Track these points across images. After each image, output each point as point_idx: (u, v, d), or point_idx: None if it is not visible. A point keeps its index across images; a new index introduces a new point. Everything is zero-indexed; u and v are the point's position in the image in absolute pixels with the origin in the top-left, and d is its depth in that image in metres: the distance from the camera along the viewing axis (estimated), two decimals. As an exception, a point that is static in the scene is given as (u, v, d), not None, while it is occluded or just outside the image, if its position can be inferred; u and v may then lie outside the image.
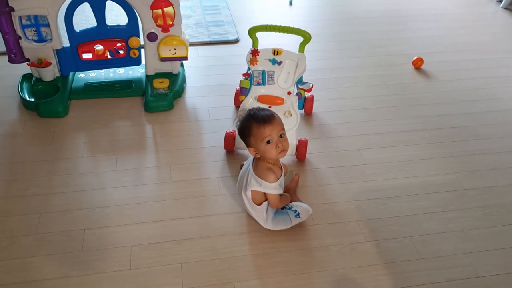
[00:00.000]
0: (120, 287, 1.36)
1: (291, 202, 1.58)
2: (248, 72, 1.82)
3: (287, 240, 1.51)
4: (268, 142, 1.41)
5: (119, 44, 2.08)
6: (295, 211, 1.52)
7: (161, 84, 2.13)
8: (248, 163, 1.54)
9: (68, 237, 1.50)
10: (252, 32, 1.78)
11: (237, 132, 1.52)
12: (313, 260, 1.46)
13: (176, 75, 2.22)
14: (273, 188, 1.45)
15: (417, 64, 2.47)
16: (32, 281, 1.37)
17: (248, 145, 1.47)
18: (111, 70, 2.27)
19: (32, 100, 2.05)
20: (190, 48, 2.37)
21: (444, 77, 2.42)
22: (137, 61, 2.16)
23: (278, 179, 1.45)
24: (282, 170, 1.51)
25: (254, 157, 1.50)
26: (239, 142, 1.81)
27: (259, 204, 1.49)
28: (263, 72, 1.79)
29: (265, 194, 1.48)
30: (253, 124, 1.42)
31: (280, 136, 1.43)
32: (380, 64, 2.52)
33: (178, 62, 2.22)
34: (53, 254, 1.44)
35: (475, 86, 2.35)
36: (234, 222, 1.57)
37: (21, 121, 2.00)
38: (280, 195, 1.50)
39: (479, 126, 2.07)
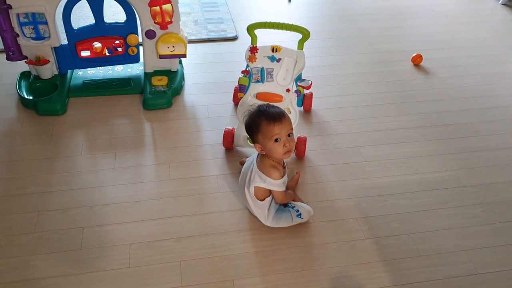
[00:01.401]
0: (119, 285, 1.36)
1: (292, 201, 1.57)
2: (247, 69, 1.82)
3: (287, 238, 1.51)
4: (276, 140, 1.39)
5: (117, 42, 2.08)
6: (297, 211, 1.52)
7: (160, 82, 2.13)
8: (252, 159, 1.53)
9: (67, 235, 1.50)
10: (250, 29, 1.77)
11: (244, 127, 1.49)
12: (313, 257, 1.46)
13: (175, 72, 2.21)
14: (277, 185, 1.44)
15: (416, 61, 2.47)
16: (31, 279, 1.37)
17: (255, 141, 1.45)
18: (109, 67, 2.27)
19: (30, 98, 2.05)
20: (189, 46, 2.36)
21: (443, 74, 2.41)
22: (135, 59, 2.15)
23: (282, 176, 1.45)
24: (285, 169, 1.50)
25: (259, 153, 1.49)
26: (238, 139, 1.80)
27: (262, 200, 1.49)
28: (262, 69, 1.78)
29: (269, 189, 1.47)
30: (263, 121, 1.40)
31: (288, 135, 1.41)
32: (379, 61, 2.52)
33: (177, 60, 2.21)
34: (52, 253, 1.44)
35: (474, 83, 2.35)
36: (233, 220, 1.57)
37: (19, 119, 1.99)
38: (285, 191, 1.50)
39: (479, 122, 2.07)
